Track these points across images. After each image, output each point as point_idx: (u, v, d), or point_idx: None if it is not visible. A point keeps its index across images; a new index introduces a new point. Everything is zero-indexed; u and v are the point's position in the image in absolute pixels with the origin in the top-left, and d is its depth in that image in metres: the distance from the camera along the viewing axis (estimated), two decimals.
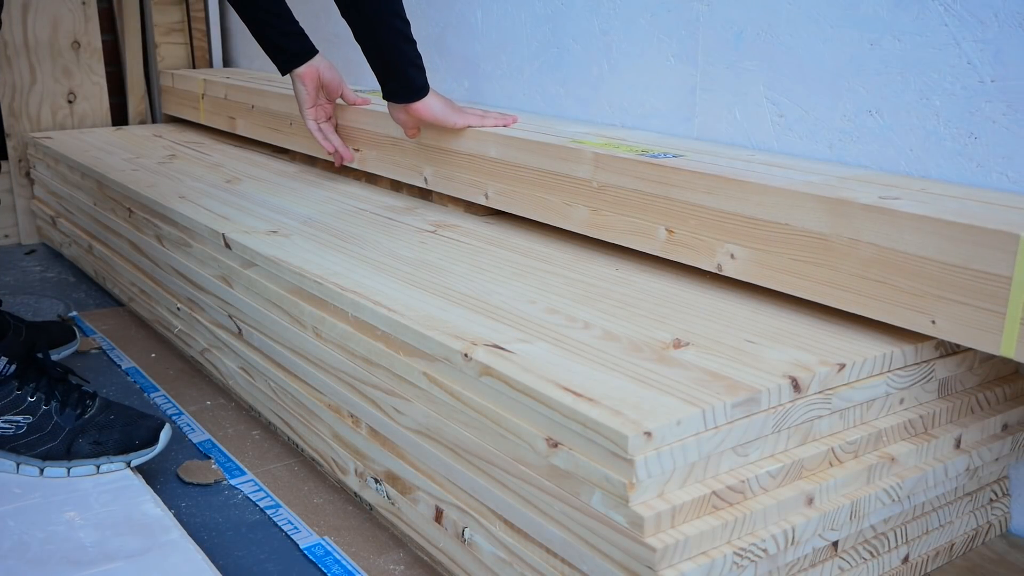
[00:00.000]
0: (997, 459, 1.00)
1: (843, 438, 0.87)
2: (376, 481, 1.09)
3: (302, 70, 1.57)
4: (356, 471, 1.13)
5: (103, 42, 2.48)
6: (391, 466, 1.05)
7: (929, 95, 1.09)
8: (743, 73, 1.29)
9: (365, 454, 1.10)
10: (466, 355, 0.90)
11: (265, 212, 1.48)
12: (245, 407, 1.42)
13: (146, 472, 1.19)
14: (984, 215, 0.87)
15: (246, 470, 1.25)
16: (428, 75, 1.42)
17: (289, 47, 1.56)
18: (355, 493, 1.15)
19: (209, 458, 1.28)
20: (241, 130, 2.12)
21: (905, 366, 0.92)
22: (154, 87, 2.66)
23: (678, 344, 0.92)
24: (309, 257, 1.23)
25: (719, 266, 1.08)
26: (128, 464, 1.16)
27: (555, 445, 0.80)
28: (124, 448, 1.16)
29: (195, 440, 1.33)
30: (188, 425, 1.37)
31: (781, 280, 1.01)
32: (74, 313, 1.85)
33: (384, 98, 1.44)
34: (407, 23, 1.38)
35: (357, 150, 1.68)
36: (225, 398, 1.47)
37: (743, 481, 0.79)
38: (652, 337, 0.95)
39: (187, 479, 1.22)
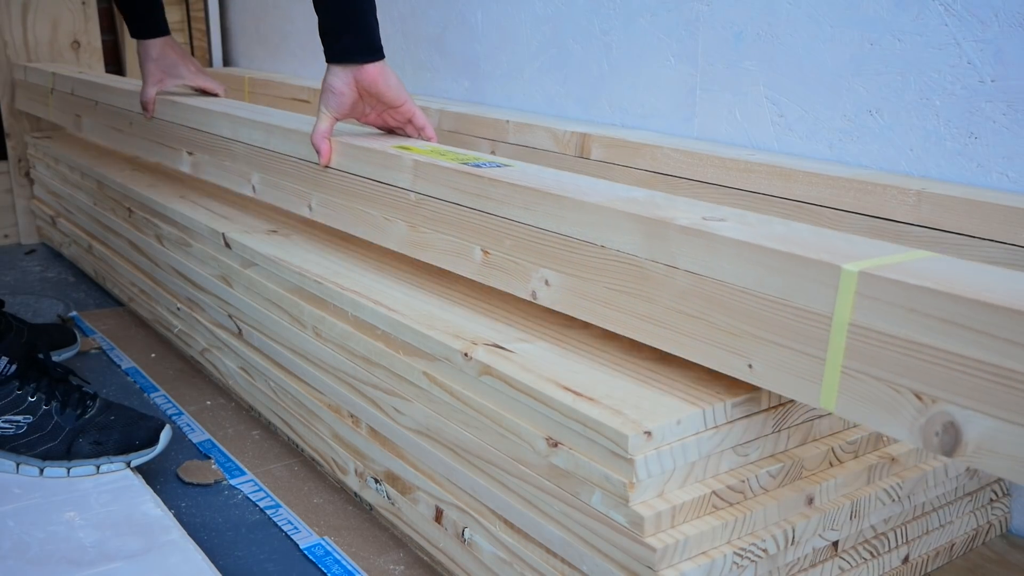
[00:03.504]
0: None
1: (843, 438, 0.87)
2: (376, 481, 1.09)
3: (152, 43, 1.54)
4: (356, 471, 1.13)
5: (103, 42, 2.48)
6: (391, 466, 1.05)
7: (929, 95, 1.09)
8: (743, 73, 1.29)
9: (365, 454, 1.10)
10: (466, 354, 0.90)
11: (265, 211, 1.48)
12: (245, 407, 1.42)
13: (146, 472, 1.19)
14: (814, 241, 0.75)
15: (246, 470, 1.25)
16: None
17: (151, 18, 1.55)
18: (355, 493, 1.15)
19: (209, 458, 1.28)
20: (86, 130, 1.96)
21: None
22: None
23: None
24: (309, 257, 1.23)
25: (533, 293, 0.94)
26: (128, 464, 1.16)
27: (555, 445, 0.80)
28: (124, 448, 1.16)
29: (195, 440, 1.33)
30: (188, 425, 1.37)
31: (596, 312, 0.88)
32: (74, 313, 1.85)
33: (332, 60, 1.19)
34: None
35: (191, 153, 1.55)
36: (225, 398, 1.47)
37: (743, 481, 0.79)
38: None
39: (187, 479, 1.22)
